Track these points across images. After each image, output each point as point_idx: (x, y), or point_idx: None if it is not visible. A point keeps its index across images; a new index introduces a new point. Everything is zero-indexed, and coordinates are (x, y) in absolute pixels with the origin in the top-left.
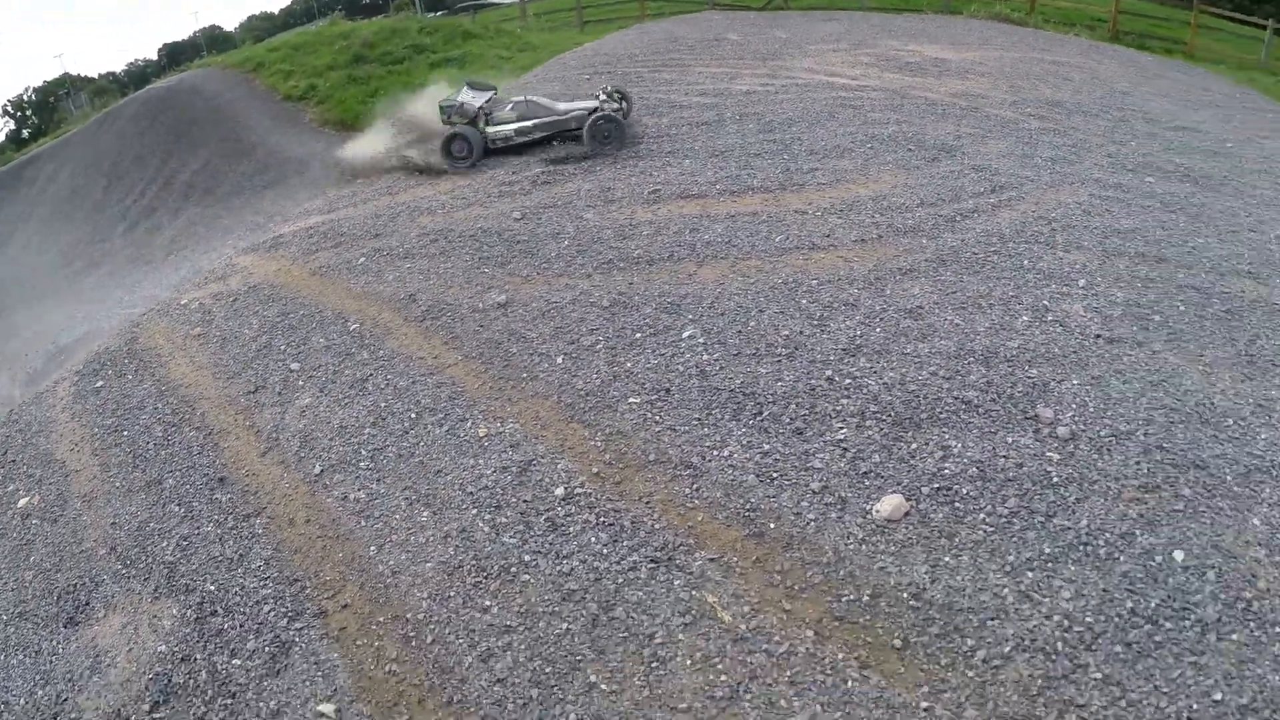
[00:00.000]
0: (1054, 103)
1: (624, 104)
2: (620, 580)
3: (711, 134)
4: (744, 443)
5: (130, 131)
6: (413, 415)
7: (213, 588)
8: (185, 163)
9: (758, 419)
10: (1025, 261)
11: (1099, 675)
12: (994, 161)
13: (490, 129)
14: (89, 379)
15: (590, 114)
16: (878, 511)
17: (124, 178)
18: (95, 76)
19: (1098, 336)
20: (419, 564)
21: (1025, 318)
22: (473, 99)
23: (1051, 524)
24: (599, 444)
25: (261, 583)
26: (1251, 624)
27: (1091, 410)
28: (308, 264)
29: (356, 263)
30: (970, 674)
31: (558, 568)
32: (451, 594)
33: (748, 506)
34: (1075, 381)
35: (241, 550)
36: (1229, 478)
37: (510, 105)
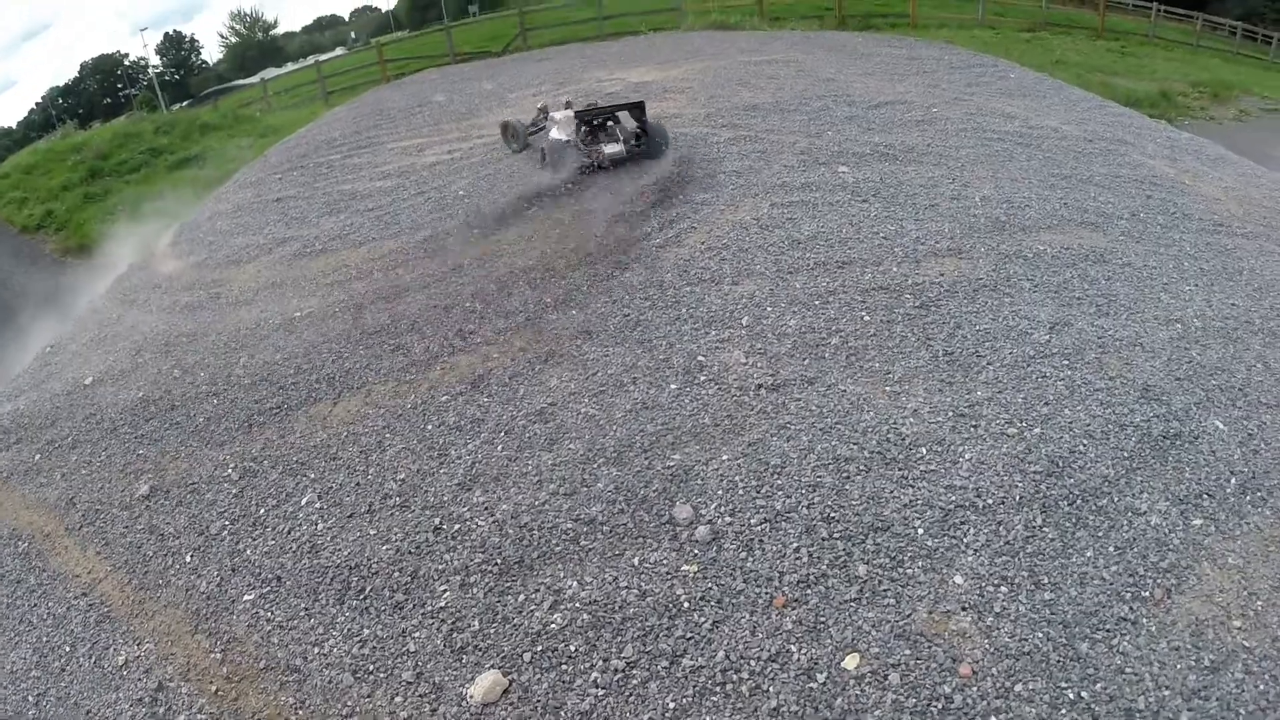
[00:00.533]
0: (750, 107)
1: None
2: None
3: (384, 226)
4: (345, 631)
5: None
6: (67, 649)
7: None
8: None
9: (361, 598)
10: (684, 310)
11: None
12: (669, 192)
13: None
14: None
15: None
16: (472, 697)
17: None
18: None
19: (759, 387)
20: None
21: (673, 386)
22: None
23: (679, 667)
24: (218, 655)
25: None
26: None
27: (741, 494)
28: None
29: (32, 461)
30: None
31: None
32: None
33: (346, 713)
34: (725, 458)
35: None
36: (920, 530)
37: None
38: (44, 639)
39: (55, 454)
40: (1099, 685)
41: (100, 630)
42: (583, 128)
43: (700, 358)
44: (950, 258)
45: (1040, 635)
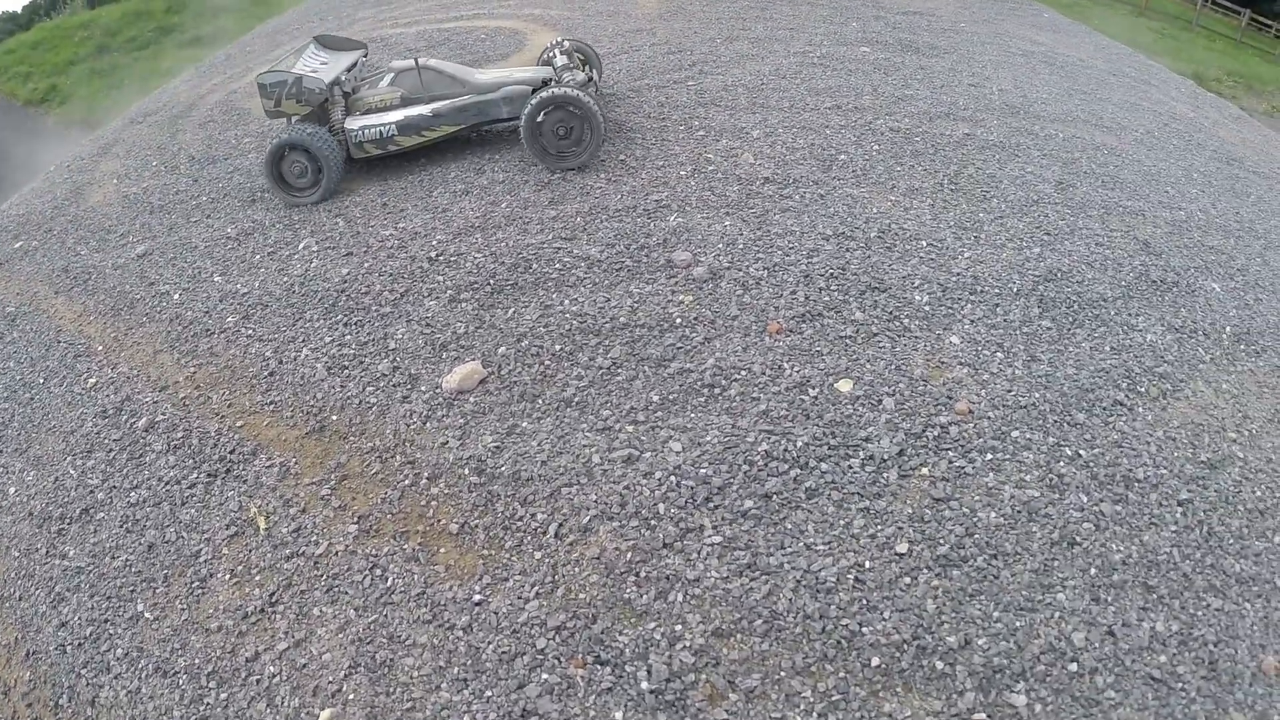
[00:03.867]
0: None
1: (592, 72)
2: (179, 500)
3: None
4: (325, 338)
5: None
6: (40, 381)
7: None
8: None
9: (348, 313)
10: (695, 124)
11: (718, 539)
12: (692, 44)
13: (354, 123)
14: None
15: (537, 89)
16: (447, 383)
17: None
18: None
19: (766, 180)
20: (18, 525)
21: (683, 172)
22: (320, 69)
23: (666, 369)
24: (192, 369)
25: None
26: (950, 454)
27: (741, 248)
28: None
29: (30, 247)
30: (538, 555)
31: (128, 499)
32: (39, 547)
33: (313, 403)
34: (727, 222)
35: None
36: (919, 298)
37: (391, 76)
38: (18, 378)
39: (52, 241)
40: (1096, 450)
41: (76, 362)
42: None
43: (708, 155)
44: (963, 123)
45: (1037, 396)
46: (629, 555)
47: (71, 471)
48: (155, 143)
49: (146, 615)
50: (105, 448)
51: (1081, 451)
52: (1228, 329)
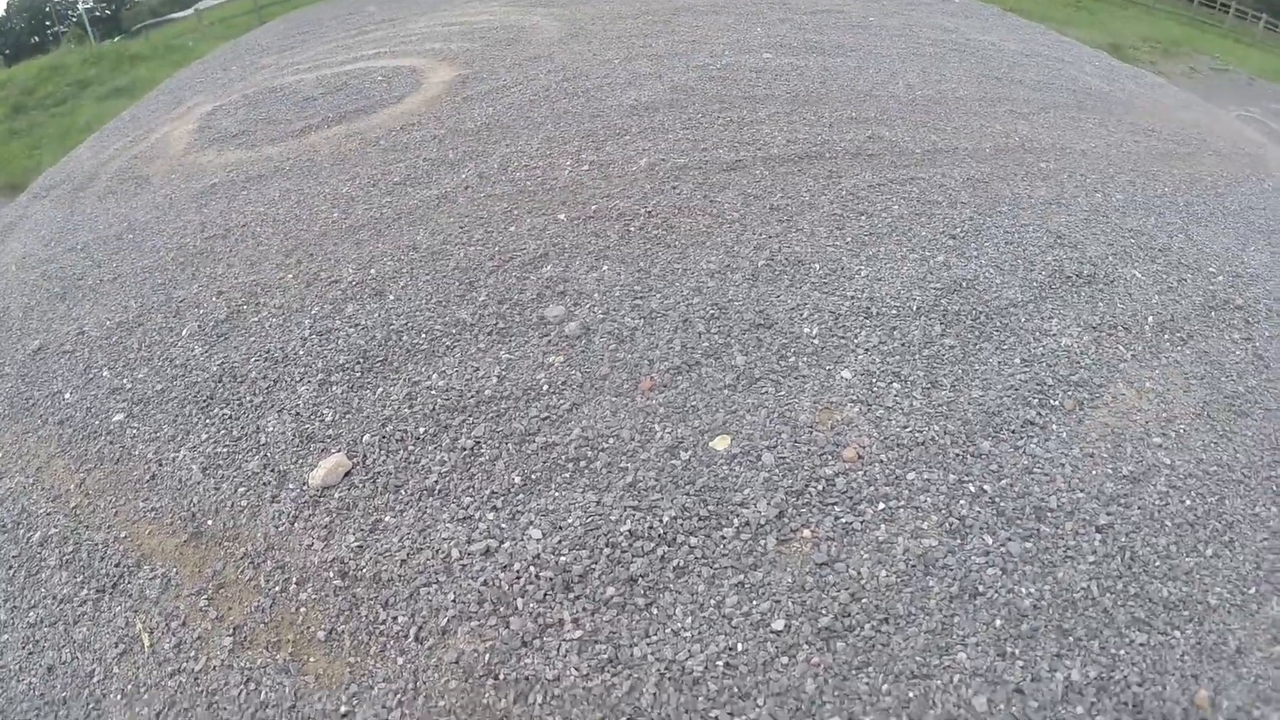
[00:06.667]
0: (682, 8)
1: None
2: (71, 619)
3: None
4: (202, 435)
5: None
6: None
7: None
8: None
9: (224, 405)
10: (584, 156)
11: (579, 633)
12: (590, 68)
13: None
14: None
15: None
16: (313, 479)
17: None
18: None
19: (648, 215)
20: None
21: (561, 215)
22: None
23: (531, 445)
24: (81, 475)
25: None
26: (836, 509)
27: (617, 295)
28: None
29: None
30: (400, 661)
31: (27, 620)
32: None
33: (190, 507)
34: (605, 267)
35: None
36: (808, 330)
37: None
38: None
39: None
40: (1004, 481)
41: None
42: None
43: (590, 193)
44: (866, 124)
45: (936, 429)
46: (487, 657)
47: None
48: (56, 220)
49: None
50: (6, 565)
51: (986, 486)
52: (1150, 319)
